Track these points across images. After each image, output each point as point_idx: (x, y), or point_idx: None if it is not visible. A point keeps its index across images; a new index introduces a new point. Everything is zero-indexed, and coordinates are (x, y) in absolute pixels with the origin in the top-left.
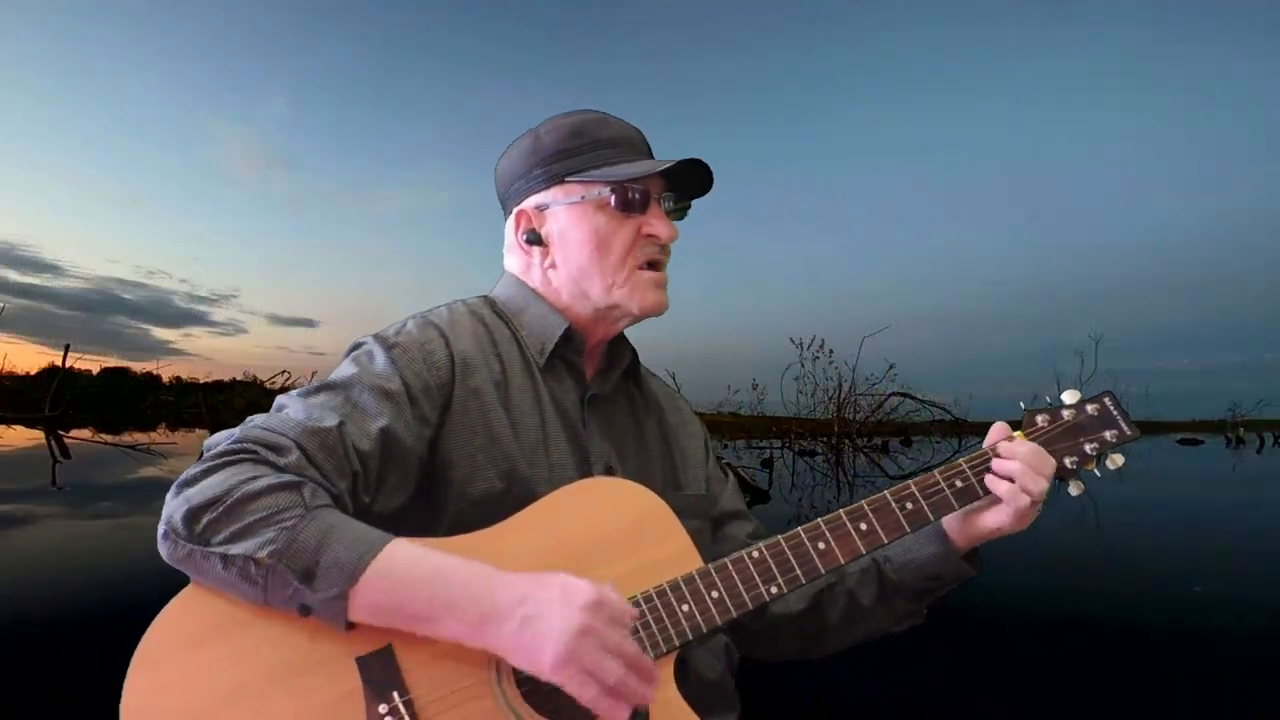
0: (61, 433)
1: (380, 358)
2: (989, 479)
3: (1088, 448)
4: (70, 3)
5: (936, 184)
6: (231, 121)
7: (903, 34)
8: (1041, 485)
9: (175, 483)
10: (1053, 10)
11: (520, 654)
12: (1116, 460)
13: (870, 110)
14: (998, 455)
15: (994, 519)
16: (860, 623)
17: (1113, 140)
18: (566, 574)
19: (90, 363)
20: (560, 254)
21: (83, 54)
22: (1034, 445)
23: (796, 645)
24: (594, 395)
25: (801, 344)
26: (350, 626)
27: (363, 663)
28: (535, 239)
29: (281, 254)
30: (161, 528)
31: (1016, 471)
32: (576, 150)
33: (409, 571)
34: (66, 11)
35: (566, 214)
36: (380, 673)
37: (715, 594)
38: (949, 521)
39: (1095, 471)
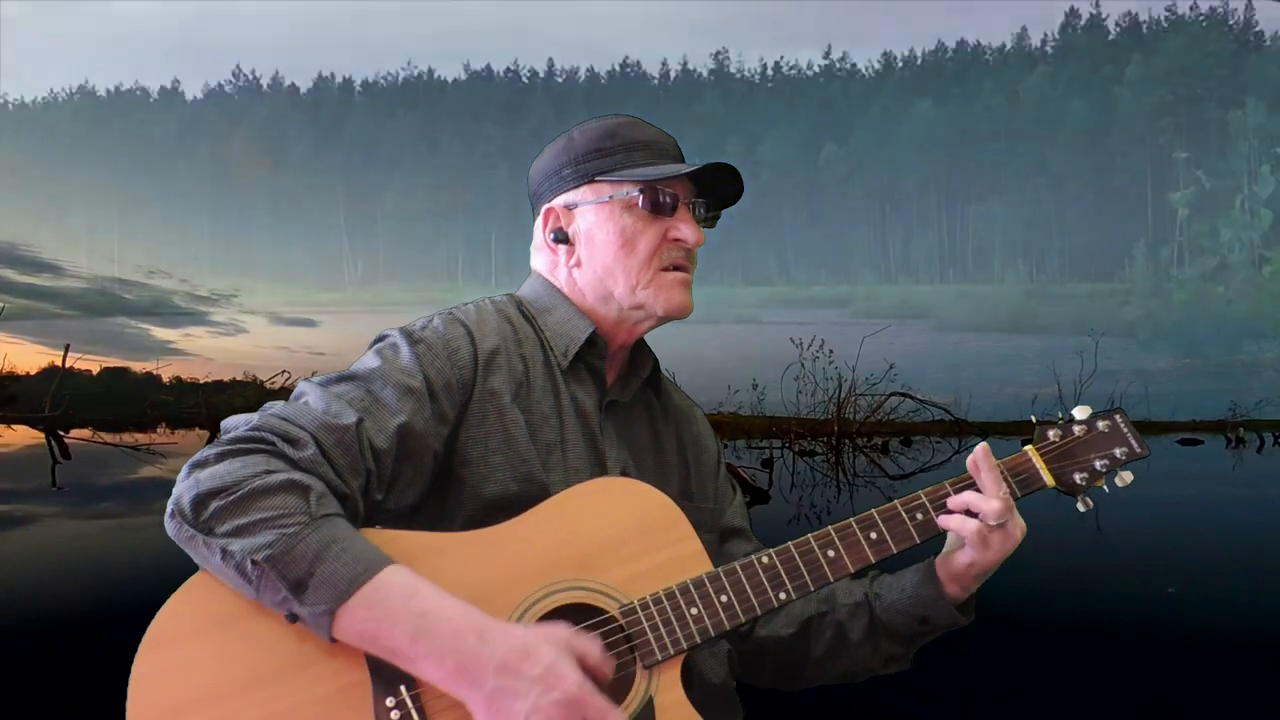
0: (61, 433)
1: (405, 352)
2: (940, 518)
3: (1098, 464)
4: None
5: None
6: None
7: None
8: (993, 505)
9: (188, 462)
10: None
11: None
12: (1125, 478)
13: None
14: (946, 511)
15: (964, 555)
16: (844, 657)
17: None
18: (562, 648)
19: (90, 363)
20: (586, 253)
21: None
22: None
23: (774, 673)
24: (612, 401)
25: (801, 344)
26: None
27: (371, 655)
28: (562, 237)
29: (281, 254)
30: (170, 506)
31: (970, 502)
32: (608, 151)
33: (399, 605)
34: None
35: (594, 213)
36: (388, 666)
37: (724, 598)
38: (940, 566)
39: (1104, 488)
